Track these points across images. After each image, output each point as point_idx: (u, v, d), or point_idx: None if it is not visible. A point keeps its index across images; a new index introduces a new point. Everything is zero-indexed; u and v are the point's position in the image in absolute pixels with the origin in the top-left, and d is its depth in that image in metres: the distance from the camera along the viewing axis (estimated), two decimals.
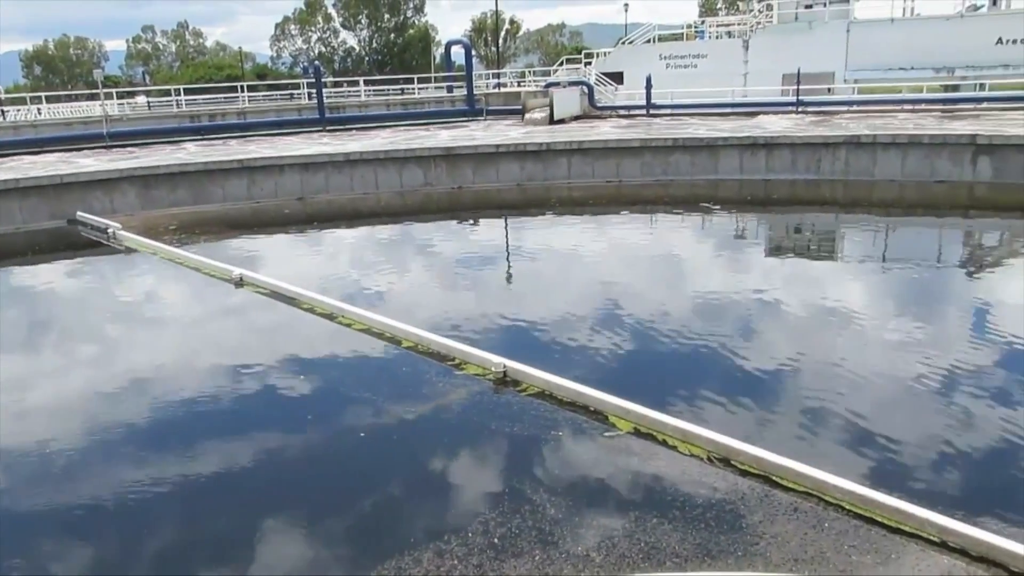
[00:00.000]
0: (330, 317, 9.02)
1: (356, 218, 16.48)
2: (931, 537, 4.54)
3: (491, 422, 6.27)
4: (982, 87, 26.95)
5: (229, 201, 16.99)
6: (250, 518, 5.25)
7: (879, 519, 4.72)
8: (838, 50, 33.78)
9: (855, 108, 24.81)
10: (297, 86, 37.52)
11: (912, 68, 32.43)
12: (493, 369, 7.01)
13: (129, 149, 20.56)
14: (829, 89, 29.15)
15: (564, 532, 4.77)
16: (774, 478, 5.21)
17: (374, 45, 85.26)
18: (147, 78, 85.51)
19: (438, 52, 71.33)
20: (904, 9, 34.90)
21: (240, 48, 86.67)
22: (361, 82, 35.25)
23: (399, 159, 18.17)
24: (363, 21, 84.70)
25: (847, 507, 4.86)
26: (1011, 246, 13.16)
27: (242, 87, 33.66)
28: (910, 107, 24.21)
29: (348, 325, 8.71)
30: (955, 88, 29.70)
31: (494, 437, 6.08)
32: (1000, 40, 31.91)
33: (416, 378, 7.29)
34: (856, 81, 31.89)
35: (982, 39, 31.92)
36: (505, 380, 6.96)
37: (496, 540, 4.71)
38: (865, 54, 33.50)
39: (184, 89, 32.64)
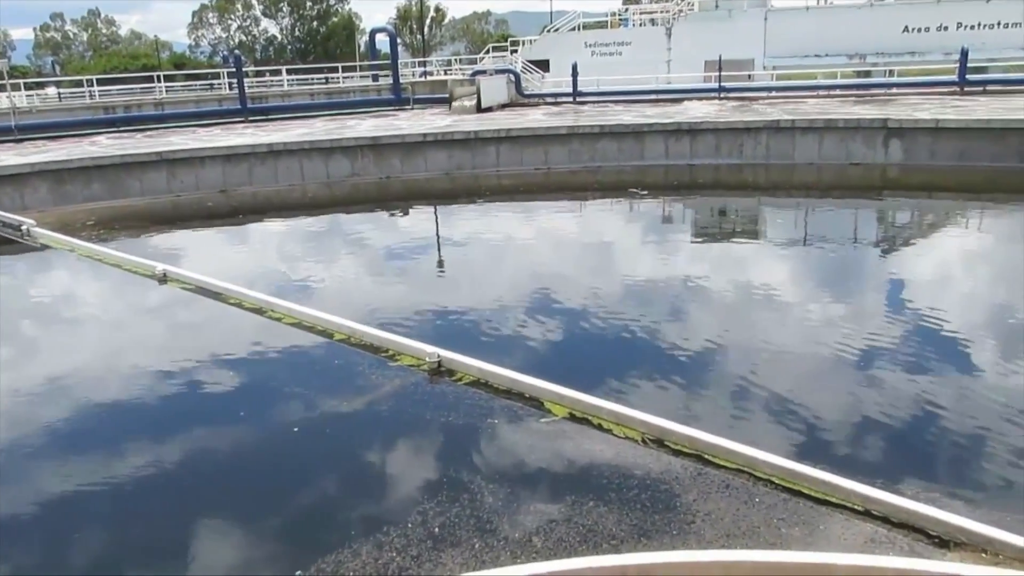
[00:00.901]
0: (259, 312, 8.83)
1: (282, 210, 16.16)
2: (856, 506, 4.72)
3: (426, 412, 6.25)
4: (891, 73, 28.02)
5: (148, 195, 16.45)
6: (182, 519, 5.11)
7: (807, 492, 4.88)
8: (757, 38, 34.62)
9: (774, 94, 25.48)
10: (217, 76, 36.50)
11: (826, 55, 33.48)
12: (427, 359, 6.97)
13: (39, 142, 19.70)
14: (749, 76, 29.86)
15: (502, 519, 4.79)
16: (707, 456, 5.33)
17: (296, 33, 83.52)
18: (57, 68, 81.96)
19: (363, 40, 70.42)
20: None
21: (156, 37, 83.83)
22: (284, 71, 34.53)
23: (325, 149, 17.88)
24: (285, 9, 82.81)
25: (776, 482, 5.01)
26: (921, 225, 13.73)
27: (159, 77, 32.54)
28: (825, 93, 24.99)
29: (278, 319, 8.54)
30: (867, 74, 30.79)
31: (430, 427, 6.06)
32: (907, 28, 33.22)
33: (349, 371, 7.20)
34: (775, 68, 32.74)
35: (890, 27, 33.18)
36: (440, 370, 6.94)
37: (435, 530, 4.70)
38: (782, 42, 34.42)
39: (97, 79, 31.37)
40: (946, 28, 32.62)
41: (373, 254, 12.38)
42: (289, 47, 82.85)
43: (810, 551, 4.17)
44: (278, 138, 18.34)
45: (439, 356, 6.99)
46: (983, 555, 4.22)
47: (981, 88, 23.22)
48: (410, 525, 4.76)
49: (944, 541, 4.35)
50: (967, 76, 23.02)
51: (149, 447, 6.11)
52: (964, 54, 22.95)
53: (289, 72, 35.24)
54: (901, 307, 8.76)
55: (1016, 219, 13.64)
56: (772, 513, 4.73)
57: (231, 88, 30.26)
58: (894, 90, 24.69)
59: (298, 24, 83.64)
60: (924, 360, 7.14)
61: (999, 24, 32.24)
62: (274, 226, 14.86)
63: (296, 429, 6.25)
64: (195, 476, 5.73)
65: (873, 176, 17.01)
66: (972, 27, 32.21)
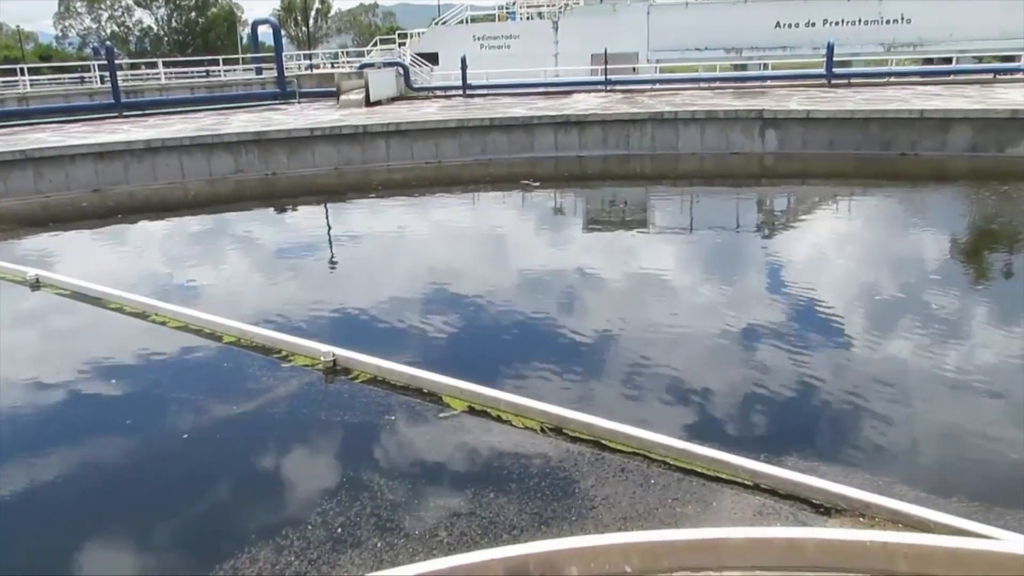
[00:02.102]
0: (142, 316, 8.45)
1: (163, 210, 15.47)
2: (745, 481, 4.93)
3: (322, 413, 6.14)
4: (766, 67, 29.32)
5: (13, 196, 15.44)
6: (70, 534, 4.84)
7: (699, 470, 5.07)
8: (640, 32, 35.53)
9: (658, 87, 26.22)
10: (88, 68, 34.55)
11: (706, 49, 34.70)
12: (322, 359, 6.84)
13: None
14: (634, 69, 30.62)
15: (404, 516, 4.76)
16: (604, 442, 5.45)
17: (174, 24, 79.98)
18: None
19: (245, 32, 68.06)
20: None
21: (19, 27, 78.59)
22: (160, 64, 33.01)
23: (206, 145, 17.23)
24: None
25: (670, 462, 5.18)
26: (797, 210, 14.44)
27: (22, 70, 30.53)
28: (706, 85, 25.90)
29: (163, 323, 8.19)
30: (743, 67, 32.10)
31: (327, 428, 5.95)
32: (779, 24, 34.84)
33: (240, 373, 6.99)
34: (658, 61, 33.70)
35: (763, 23, 34.72)
36: (335, 369, 6.82)
37: (335, 531, 4.63)
38: (664, 36, 35.46)
39: None
40: (814, 24, 34.39)
41: (262, 253, 12.03)
42: (166, 39, 79.28)
43: (703, 527, 4.34)
44: (156, 134, 17.54)
45: (334, 355, 6.87)
46: (861, 519, 4.50)
47: (846, 81, 24.59)
48: (309, 527, 4.67)
49: (826, 508, 4.61)
50: (833, 70, 24.32)
51: (26, 463, 5.75)
52: (830, 49, 24.24)
53: (166, 65, 33.71)
54: (780, 288, 9.20)
55: (880, 202, 14.53)
56: (667, 493, 4.88)
57: (103, 82, 28.73)
58: (768, 83, 25.83)
59: (175, 14, 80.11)
60: (801, 337, 7.52)
61: (860, 21, 34.27)
62: (155, 226, 14.22)
63: (186, 436, 6.02)
64: (79, 490, 5.43)
65: (752, 164, 17.77)
66: (837, 23, 34.09)
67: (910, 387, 6.42)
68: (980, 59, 31.36)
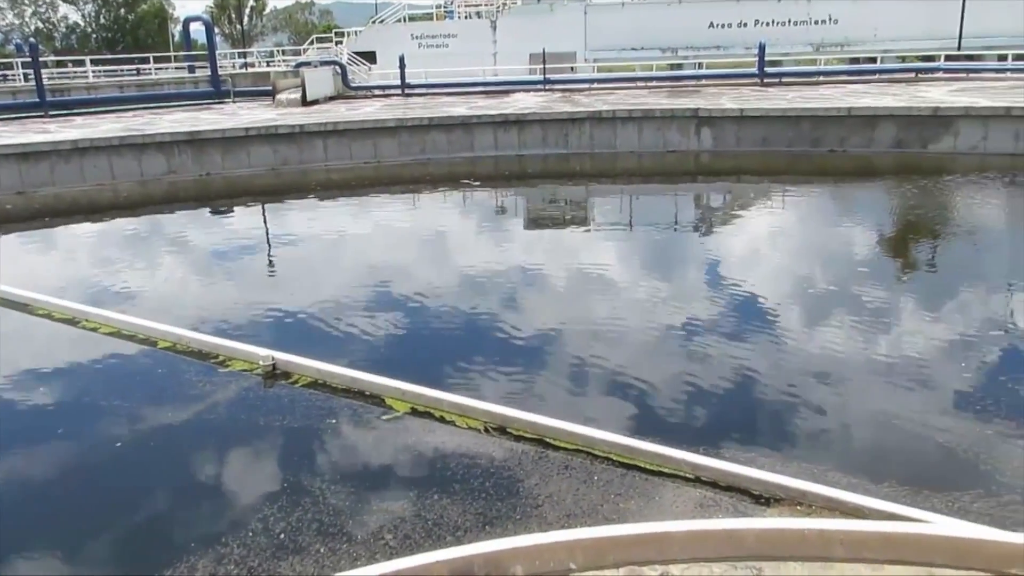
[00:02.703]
0: (71, 322, 8.17)
1: (92, 212, 14.99)
2: (687, 474, 5.00)
3: (261, 418, 6.02)
4: (700, 66, 29.84)
5: None
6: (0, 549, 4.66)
7: (642, 465, 5.13)
8: (578, 31, 35.80)
9: (596, 86, 26.45)
10: (10, 66, 33.26)
11: (642, 48, 35.14)
12: (261, 363, 6.72)
13: None
14: (572, 68, 30.82)
15: (347, 521, 4.71)
16: (548, 440, 5.47)
17: (102, 21, 77.47)
18: None
19: (176, 30, 66.33)
20: None
21: None
22: (88, 62, 31.96)
23: (137, 146, 16.76)
24: None
25: (614, 458, 5.23)
26: (732, 206, 14.74)
27: None
28: (643, 84, 26.24)
29: (94, 329, 7.94)
30: (679, 67, 32.61)
31: (266, 433, 5.84)
32: (712, 24, 35.50)
33: (176, 379, 6.81)
34: (595, 60, 33.99)
35: (697, 23, 35.33)
36: (275, 373, 6.70)
37: (277, 538, 4.55)
38: (601, 35, 35.79)
39: None
40: (746, 24, 35.13)
41: (197, 255, 11.75)
42: (94, 36, 76.74)
43: (647, 522, 4.39)
44: (83, 134, 16.98)
45: (273, 359, 6.75)
46: (798, 507, 4.61)
47: (778, 80, 25.19)
48: (250, 535, 4.58)
49: (766, 499, 4.71)
50: (765, 69, 24.88)
51: None
52: (761, 49, 24.80)
53: (95, 63, 32.67)
54: (716, 282, 9.37)
55: (811, 198, 14.92)
56: (610, 489, 4.93)
57: (27, 80, 27.70)
58: (703, 81, 26.31)
59: (103, 11, 77.60)
60: (741, 332, 7.67)
61: (789, 22, 35.15)
62: (84, 229, 13.77)
63: (119, 444, 5.84)
64: (11, 501, 5.22)
65: (688, 162, 18.07)
66: (768, 24, 34.90)
67: (840, 376, 6.61)
68: (903, 59, 32.50)
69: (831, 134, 17.71)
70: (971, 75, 25.64)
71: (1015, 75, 24.55)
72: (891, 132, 17.42)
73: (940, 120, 17.08)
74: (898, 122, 17.38)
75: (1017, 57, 24.97)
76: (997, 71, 25.76)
